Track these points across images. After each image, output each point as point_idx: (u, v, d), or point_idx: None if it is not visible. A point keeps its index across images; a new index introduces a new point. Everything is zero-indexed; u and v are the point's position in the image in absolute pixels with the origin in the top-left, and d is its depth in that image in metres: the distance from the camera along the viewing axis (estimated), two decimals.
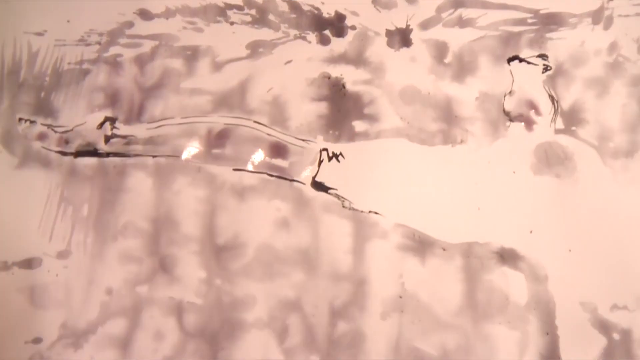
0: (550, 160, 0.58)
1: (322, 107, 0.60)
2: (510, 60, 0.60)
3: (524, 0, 0.61)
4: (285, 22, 0.62)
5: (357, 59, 0.61)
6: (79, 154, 0.59)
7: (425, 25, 0.62)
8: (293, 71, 0.60)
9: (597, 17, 0.61)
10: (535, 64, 0.61)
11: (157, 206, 0.57)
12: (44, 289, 0.56)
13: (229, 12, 0.62)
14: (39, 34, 0.61)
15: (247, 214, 0.57)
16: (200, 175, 0.58)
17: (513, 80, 0.60)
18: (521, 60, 0.60)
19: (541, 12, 0.61)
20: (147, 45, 0.61)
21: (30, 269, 0.56)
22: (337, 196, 0.58)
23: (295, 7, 0.61)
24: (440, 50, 0.61)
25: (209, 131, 0.59)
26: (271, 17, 0.62)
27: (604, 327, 0.55)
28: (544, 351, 0.55)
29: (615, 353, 0.55)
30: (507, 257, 0.56)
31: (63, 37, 0.61)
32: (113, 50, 0.61)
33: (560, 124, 0.59)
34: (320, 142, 0.59)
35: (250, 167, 0.58)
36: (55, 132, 0.59)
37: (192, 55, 0.61)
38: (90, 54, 0.61)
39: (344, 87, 0.60)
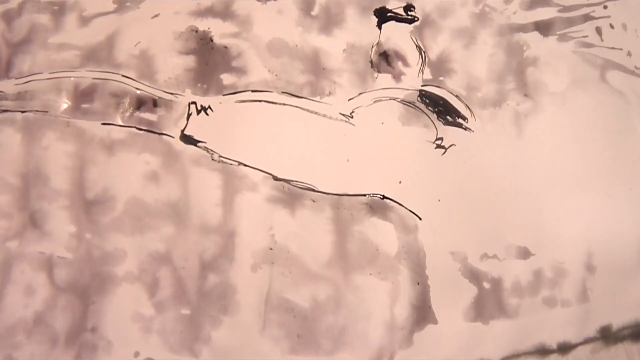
0: (418, 110, 0.58)
1: (190, 61, 0.59)
2: (377, 11, 0.61)
3: None
4: None
5: (224, 12, 0.61)
6: None
7: None
8: (160, 25, 0.60)
9: None
10: (402, 15, 0.61)
11: (27, 161, 0.57)
12: None
13: None
14: None
15: (116, 168, 0.57)
16: (69, 130, 0.58)
17: (380, 32, 0.60)
18: (388, 11, 0.61)
19: None
20: (14, 1, 0.61)
21: None
22: (207, 149, 0.57)
23: None
24: (307, 2, 0.61)
25: (76, 86, 0.59)
26: None
27: (475, 276, 0.55)
28: (415, 301, 0.55)
29: (485, 302, 0.55)
30: (377, 207, 0.56)
31: None
32: None
33: (428, 74, 0.59)
34: (188, 96, 0.59)
35: (118, 121, 0.58)
36: None
37: (59, 10, 0.61)
38: None
39: (211, 40, 0.60)
